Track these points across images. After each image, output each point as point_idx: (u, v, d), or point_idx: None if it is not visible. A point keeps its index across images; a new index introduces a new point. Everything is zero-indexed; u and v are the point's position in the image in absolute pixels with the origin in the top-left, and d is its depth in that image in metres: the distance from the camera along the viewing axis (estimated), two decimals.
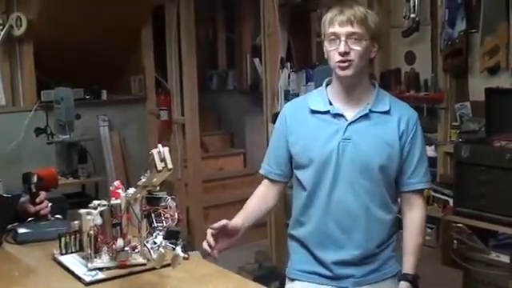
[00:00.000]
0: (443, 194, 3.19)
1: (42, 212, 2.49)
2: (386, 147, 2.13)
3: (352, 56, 2.07)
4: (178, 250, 1.88)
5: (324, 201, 2.17)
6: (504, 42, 3.31)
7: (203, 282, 2.00)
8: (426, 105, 3.62)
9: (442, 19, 3.56)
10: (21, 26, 4.89)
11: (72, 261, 2.09)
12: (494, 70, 3.39)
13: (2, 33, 4.86)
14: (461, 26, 3.46)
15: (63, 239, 2.15)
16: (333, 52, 2.10)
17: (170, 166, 1.88)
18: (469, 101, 3.52)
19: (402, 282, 2.17)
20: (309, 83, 4.41)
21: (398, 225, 2.25)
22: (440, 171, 3.57)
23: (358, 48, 2.07)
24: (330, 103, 2.18)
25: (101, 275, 1.98)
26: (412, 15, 3.69)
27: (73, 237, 2.16)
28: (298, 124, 2.23)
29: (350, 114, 2.16)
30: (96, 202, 2.13)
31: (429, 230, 3.72)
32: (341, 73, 2.11)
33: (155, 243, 1.94)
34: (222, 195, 5.92)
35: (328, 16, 2.14)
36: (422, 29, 3.73)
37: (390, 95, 2.24)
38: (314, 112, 2.20)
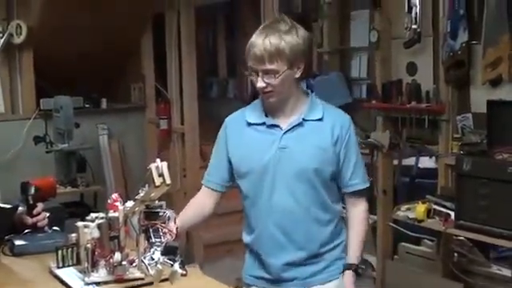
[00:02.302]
0: (444, 206, 3.16)
1: (39, 224, 2.47)
2: (320, 152, 2.22)
3: (270, 88, 2.18)
4: (176, 266, 1.86)
5: (265, 206, 2.26)
6: (506, 54, 3.29)
7: None
8: (427, 116, 3.60)
9: (444, 30, 3.55)
10: (21, 33, 4.86)
11: (69, 274, 2.07)
12: (496, 82, 3.37)
13: (2, 40, 4.83)
14: (463, 37, 3.44)
15: (60, 252, 2.12)
16: (254, 81, 2.20)
17: (168, 181, 1.87)
18: (470, 113, 3.50)
19: (346, 272, 2.30)
20: None
21: (343, 225, 2.36)
22: (441, 183, 3.54)
23: (274, 82, 2.16)
24: (267, 115, 2.28)
25: None
26: (413, 26, 3.67)
27: (70, 250, 2.13)
28: (236, 136, 2.32)
29: (285, 123, 2.25)
30: (93, 215, 2.11)
31: (430, 243, 3.72)
32: (266, 100, 2.24)
33: (153, 259, 1.92)
34: (220, 204, 5.86)
35: (249, 43, 2.21)
36: (423, 40, 3.72)
37: (323, 103, 2.31)
38: (250, 124, 2.29)
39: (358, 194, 2.32)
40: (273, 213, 2.25)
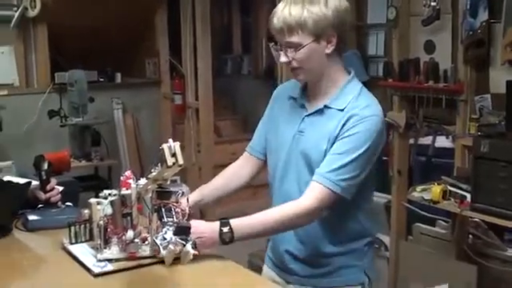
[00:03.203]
0: (460, 188, 3.12)
1: (52, 199, 2.46)
2: (324, 144, 2.01)
3: (295, 64, 2.00)
4: (189, 246, 1.85)
5: (276, 190, 2.16)
6: None
7: (212, 275, 1.95)
8: (444, 96, 3.54)
9: (464, 8, 3.47)
10: (35, 7, 4.84)
11: (82, 250, 2.06)
12: None
13: (17, 14, 4.81)
14: (483, 15, 3.36)
15: (73, 228, 2.12)
16: (277, 56, 2.04)
17: (180, 161, 1.85)
18: (489, 93, 3.44)
19: (216, 222, 1.97)
20: None
21: (365, 232, 2.14)
22: (457, 164, 3.50)
23: (298, 56, 1.97)
24: (303, 90, 2.12)
25: (110, 267, 1.94)
26: (432, 3, 3.60)
27: (83, 226, 2.12)
28: (278, 107, 2.20)
29: (311, 106, 2.09)
30: (106, 192, 2.09)
31: (444, 224, 3.69)
32: (295, 77, 2.07)
33: (165, 239, 1.91)
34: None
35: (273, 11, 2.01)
36: (442, 17, 3.64)
37: (360, 89, 2.05)
38: (289, 97, 2.16)
39: (313, 184, 1.97)
40: (280, 198, 2.11)
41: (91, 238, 2.08)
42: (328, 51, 1.98)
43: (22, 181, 2.61)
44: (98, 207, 2.03)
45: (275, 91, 2.27)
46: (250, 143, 2.31)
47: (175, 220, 1.94)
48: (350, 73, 2.08)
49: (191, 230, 1.91)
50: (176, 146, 1.87)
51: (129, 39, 5.61)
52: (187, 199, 2.01)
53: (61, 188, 2.63)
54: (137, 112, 5.72)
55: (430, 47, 3.78)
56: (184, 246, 1.87)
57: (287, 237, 2.12)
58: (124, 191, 2.02)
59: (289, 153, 2.10)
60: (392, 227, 3.88)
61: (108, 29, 5.30)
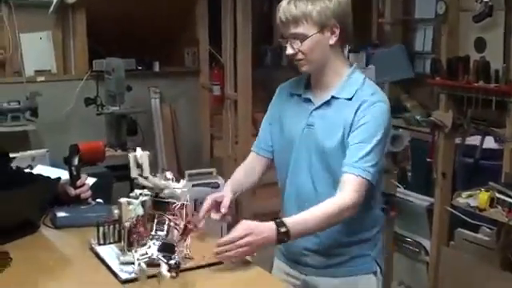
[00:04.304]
0: (508, 195, 2.96)
1: (82, 195, 2.40)
2: (338, 134, 2.07)
3: (300, 55, 2.07)
4: (164, 269, 1.74)
5: (288, 185, 2.21)
6: None
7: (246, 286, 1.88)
8: (495, 97, 3.36)
9: None
10: None
11: (109, 253, 1.98)
12: None
13: (56, 0, 4.76)
14: None
15: (101, 229, 2.03)
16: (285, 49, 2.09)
17: (146, 173, 1.86)
18: None
19: (270, 222, 1.96)
20: (369, 66, 4.19)
21: (376, 221, 2.22)
22: (506, 169, 3.33)
23: (302, 47, 2.05)
24: (307, 86, 2.19)
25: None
26: None
27: (111, 227, 2.04)
28: (280, 105, 2.26)
29: (317, 99, 2.15)
30: (138, 192, 2.02)
31: (488, 231, 3.53)
32: (299, 69, 2.12)
33: (146, 253, 1.82)
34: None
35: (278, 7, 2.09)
36: (495, 14, 3.46)
37: (364, 79, 2.14)
38: (292, 95, 2.23)
39: (349, 179, 2.01)
40: (293, 194, 2.19)
41: (120, 240, 1.99)
42: (332, 42, 2.07)
43: (53, 173, 2.55)
44: (129, 207, 1.94)
45: (278, 89, 2.32)
46: (255, 143, 2.37)
47: (166, 234, 1.88)
48: (351, 65, 2.17)
49: (249, 231, 1.91)
50: (144, 156, 1.78)
51: (168, 28, 5.54)
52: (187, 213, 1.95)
53: (93, 180, 2.57)
54: (174, 102, 5.64)
55: (480, 45, 3.60)
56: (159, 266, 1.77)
57: None
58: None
59: (299, 148, 2.14)
60: (433, 232, 3.73)
61: (147, 17, 5.23)
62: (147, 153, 1.82)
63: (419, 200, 3.79)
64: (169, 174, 2.00)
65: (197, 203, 5.04)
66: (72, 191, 2.37)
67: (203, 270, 1.91)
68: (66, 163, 2.44)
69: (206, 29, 5.64)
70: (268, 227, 1.93)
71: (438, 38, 3.87)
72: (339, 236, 2.14)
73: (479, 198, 3.00)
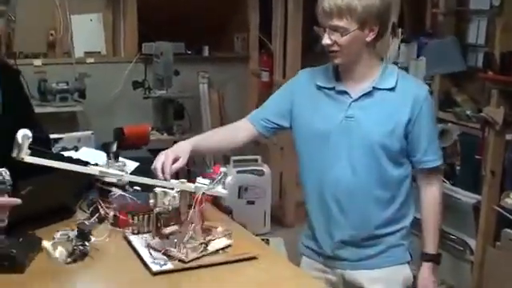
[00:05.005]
0: None
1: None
2: (389, 125, 2.09)
3: (336, 47, 2.06)
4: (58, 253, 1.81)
5: (323, 177, 2.17)
6: None
7: (279, 285, 1.85)
8: None
9: None
10: None
11: (142, 242, 1.97)
12: None
13: None
14: None
15: (135, 218, 2.03)
16: (321, 38, 2.07)
17: None
18: None
19: (424, 263, 2.21)
20: (420, 57, 4.08)
21: (410, 209, 2.24)
22: None
23: (341, 41, 2.04)
24: (337, 78, 2.17)
25: (170, 265, 1.84)
26: None
27: (146, 216, 2.03)
28: (305, 95, 2.23)
29: (355, 91, 2.13)
30: (174, 181, 2.01)
31: None
32: (331, 60, 2.12)
33: (66, 235, 1.87)
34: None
35: None
36: None
37: (399, 71, 2.18)
38: (320, 87, 2.19)
39: (432, 171, 2.19)
40: (331, 186, 2.15)
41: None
42: (368, 39, 2.07)
43: (97, 156, 2.56)
44: (165, 198, 1.93)
45: (301, 76, 2.30)
46: (254, 113, 2.36)
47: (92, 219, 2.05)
48: (382, 59, 2.20)
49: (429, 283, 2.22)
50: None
51: (219, 13, 5.52)
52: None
53: (135, 164, 2.57)
54: (223, 87, 5.62)
55: None
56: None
57: (340, 226, 2.17)
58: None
59: (337, 140, 2.12)
60: (479, 231, 3.62)
61: (198, 1, 5.20)
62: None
63: (466, 197, 3.68)
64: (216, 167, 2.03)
65: (241, 190, 5.04)
66: None
67: (237, 264, 1.90)
68: (104, 150, 2.44)
69: (256, 14, 5.59)
70: (427, 272, 2.22)
71: (493, 31, 3.73)
72: (375, 227, 2.17)
73: None
